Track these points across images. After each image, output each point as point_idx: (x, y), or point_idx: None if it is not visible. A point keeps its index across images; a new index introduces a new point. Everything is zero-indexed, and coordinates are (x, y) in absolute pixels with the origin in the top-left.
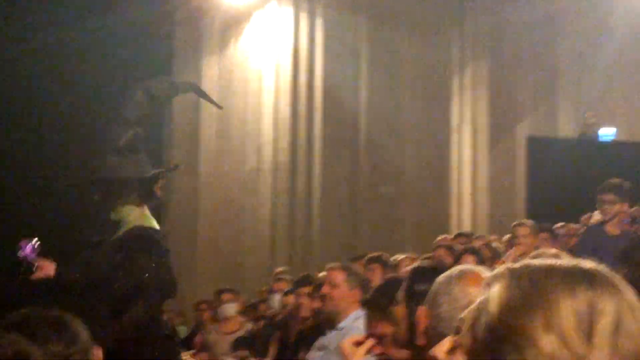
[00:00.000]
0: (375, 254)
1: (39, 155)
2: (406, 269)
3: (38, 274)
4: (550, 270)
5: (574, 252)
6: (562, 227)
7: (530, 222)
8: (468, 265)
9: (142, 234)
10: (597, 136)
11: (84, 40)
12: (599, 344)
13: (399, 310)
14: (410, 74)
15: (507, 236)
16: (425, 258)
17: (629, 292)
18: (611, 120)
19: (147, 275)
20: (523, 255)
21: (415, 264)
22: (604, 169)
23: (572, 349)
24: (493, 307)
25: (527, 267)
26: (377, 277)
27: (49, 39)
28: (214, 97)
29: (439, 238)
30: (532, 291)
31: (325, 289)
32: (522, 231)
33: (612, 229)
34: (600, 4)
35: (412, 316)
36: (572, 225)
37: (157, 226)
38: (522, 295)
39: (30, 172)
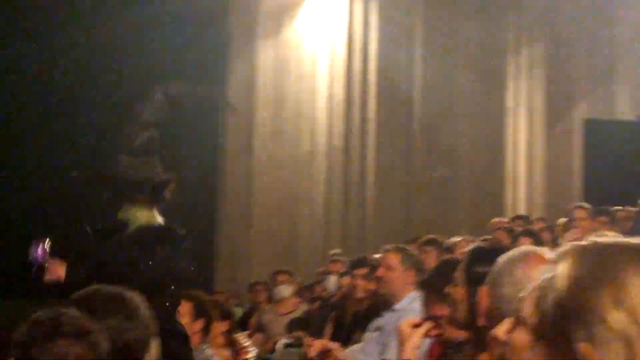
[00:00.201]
0: (430, 236)
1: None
2: (462, 250)
3: (49, 277)
4: (618, 247)
5: (632, 235)
6: (620, 210)
7: (587, 205)
8: (531, 246)
9: (157, 227)
10: None
11: (135, 27)
12: None
13: (458, 291)
14: (466, 55)
15: (563, 219)
16: (483, 240)
17: None
18: None
19: (164, 268)
20: (580, 238)
21: (474, 245)
22: None
23: None
24: (561, 284)
25: (594, 244)
26: (431, 260)
27: (95, 29)
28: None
29: (495, 220)
30: (600, 267)
31: (380, 271)
32: (579, 214)
33: None
34: None
35: (471, 297)
36: (631, 209)
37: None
38: (591, 272)
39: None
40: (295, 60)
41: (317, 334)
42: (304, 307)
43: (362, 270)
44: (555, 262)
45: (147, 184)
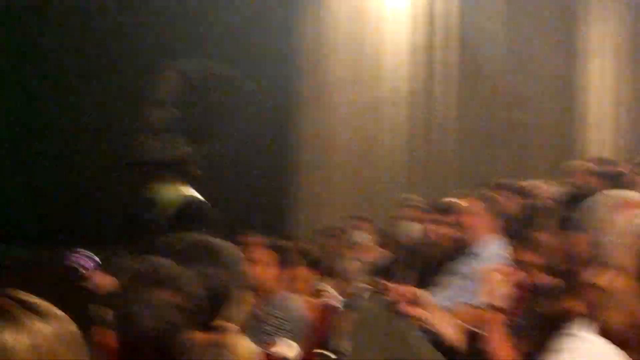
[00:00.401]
0: (509, 180)
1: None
2: (545, 195)
3: (94, 287)
4: None
5: None
6: None
7: None
8: (629, 191)
9: (181, 209)
10: None
11: None
12: None
13: (547, 237)
14: None
15: None
16: (565, 183)
17: None
18: None
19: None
20: None
21: (566, 190)
22: None
23: None
24: None
25: None
26: (512, 205)
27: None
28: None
29: (577, 163)
30: None
31: (462, 217)
32: None
33: None
34: None
35: (563, 243)
36: None
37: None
38: None
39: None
40: (374, 3)
41: (396, 280)
42: (382, 254)
43: (443, 216)
44: None
45: (169, 163)
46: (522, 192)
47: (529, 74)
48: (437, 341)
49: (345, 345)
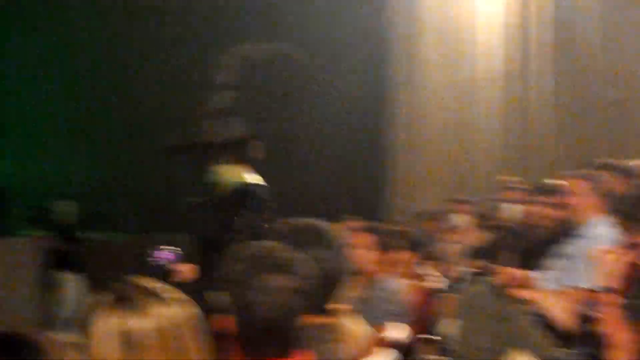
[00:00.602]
0: (612, 160)
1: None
2: None
3: (176, 278)
4: None
5: None
6: None
7: None
8: None
9: (236, 192)
10: None
11: None
12: None
13: None
14: None
15: None
16: None
17: None
18: None
19: (243, 229)
20: None
21: None
22: None
23: None
24: None
25: None
26: (619, 185)
27: None
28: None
29: None
30: None
31: (567, 198)
32: None
33: None
34: None
35: None
36: None
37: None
38: None
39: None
40: None
41: (498, 262)
42: (482, 236)
43: (546, 197)
44: None
45: (229, 144)
46: (628, 172)
47: (625, 50)
48: (547, 324)
49: (449, 329)
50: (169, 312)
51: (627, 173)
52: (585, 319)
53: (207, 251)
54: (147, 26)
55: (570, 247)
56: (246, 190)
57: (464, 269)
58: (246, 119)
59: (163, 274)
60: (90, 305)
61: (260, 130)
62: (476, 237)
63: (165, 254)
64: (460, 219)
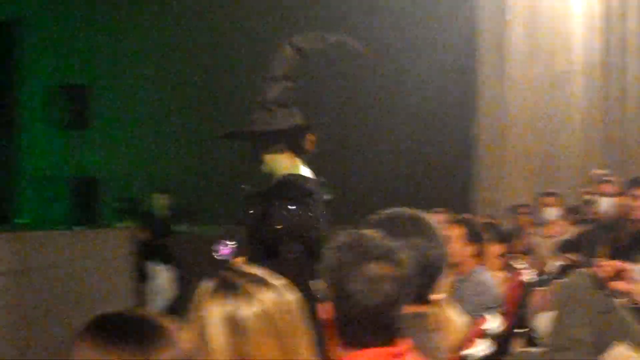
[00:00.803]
0: None
1: None
2: None
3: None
4: None
5: None
6: None
7: None
8: None
9: (283, 181)
10: None
11: None
12: None
13: None
14: None
15: None
16: None
17: None
18: None
19: (280, 224)
20: None
21: None
22: None
23: None
24: None
25: None
26: None
27: None
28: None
29: None
30: None
31: None
32: None
33: None
34: None
35: None
36: None
37: (308, 175)
38: None
39: None
40: None
41: (589, 255)
42: (571, 229)
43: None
44: None
45: (282, 135)
46: None
47: None
48: None
49: (542, 321)
50: (273, 298)
51: None
52: None
53: (252, 242)
54: (240, 23)
55: None
56: (291, 181)
57: (555, 261)
58: (302, 111)
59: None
60: (195, 292)
61: (317, 123)
62: (566, 230)
63: (226, 248)
64: (551, 212)
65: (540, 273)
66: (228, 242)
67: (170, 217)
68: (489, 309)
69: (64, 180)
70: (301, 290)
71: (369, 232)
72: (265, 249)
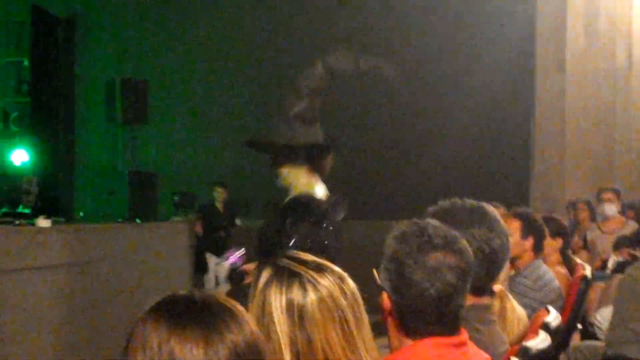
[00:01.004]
0: None
1: None
2: None
3: (248, 279)
4: None
5: None
6: None
7: None
8: None
9: (299, 201)
10: None
11: None
12: None
13: None
14: None
15: None
16: None
17: None
18: None
19: (298, 243)
20: None
21: None
22: None
23: None
24: None
25: None
26: None
27: None
28: None
29: None
30: None
31: None
32: None
33: None
34: None
35: None
36: None
37: (322, 195)
38: None
39: None
40: None
41: None
42: (630, 225)
43: None
44: None
45: (303, 151)
46: None
47: None
48: None
49: (601, 315)
50: (334, 284)
51: None
52: None
53: (264, 253)
54: (297, 17)
55: None
56: (306, 202)
57: (614, 257)
58: (325, 129)
59: (236, 276)
60: (255, 281)
61: (337, 144)
62: (626, 226)
63: (236, 258)
64: (610, 208)
65: (599, 268)
66: (237, 250)
67: (227, 210)
68: (547, 303)
69: (122, 175)
70: None
71: (432, 222)
72: None
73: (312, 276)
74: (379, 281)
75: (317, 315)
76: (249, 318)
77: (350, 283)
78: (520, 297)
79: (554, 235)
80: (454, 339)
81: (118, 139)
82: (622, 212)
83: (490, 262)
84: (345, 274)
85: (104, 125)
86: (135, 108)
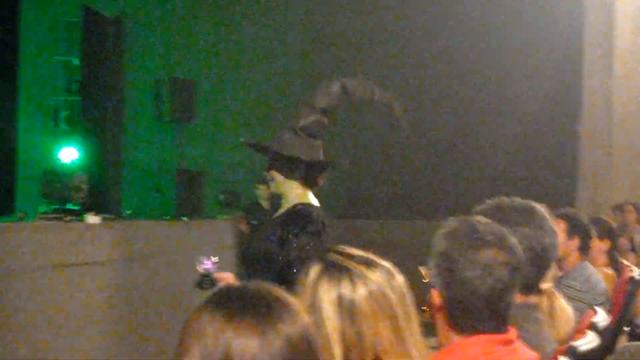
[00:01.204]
0: None
1: None
2: None
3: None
4: None
5: None
6: None
7: None
8: None
9: (298, 212)
10: None
11: None
12: None
13: None
14: None
15: None
16: None
17: None
18: None
19: (294, 254)
20: None
21: None
22: None
23: None
24: None
25: None
26: None
27: None
28: None
29: None
30: None
31: None
32: None
33: None
34: None
35: None
36: None
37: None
38: None
39: None
40: None
41: None
42: None
43: None
44: None
45: (302, 163)
46: None
47: None
48: None
49: None
50: (384, 279)
51: None
52: None
53: (265, 265)
54: (344, 19)
55: None
56: (307, 212)
57: None
58: (325, 146)
59: (207, 282)
60: (304, 277)
61: (335, 162)
62: None
63: (209, 263)
64: None
65: None
66: (212, 258)
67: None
68: (595, 304)
69: (169, 173)
70: None
71: (482, 219)
72: (278, 275)
73: (361, 271)
74: (425, 278)
75: (367, 310)
76: (302, 310)
77: (399, 278)
78: (567, 299)
79: (602, 236)
80: (503, 337)
81: (165, 137)
82: None
83: (539, 261)
84: (393, 269)
85: (152, 123)
86: (183, 107)
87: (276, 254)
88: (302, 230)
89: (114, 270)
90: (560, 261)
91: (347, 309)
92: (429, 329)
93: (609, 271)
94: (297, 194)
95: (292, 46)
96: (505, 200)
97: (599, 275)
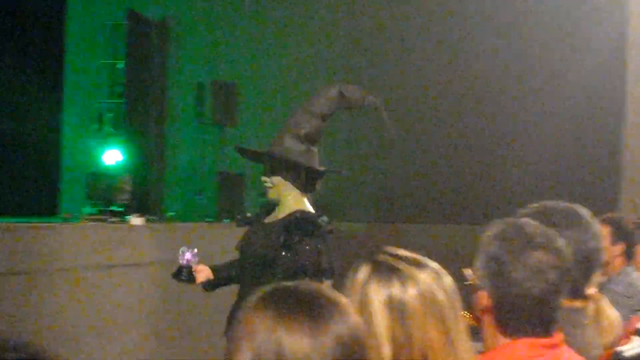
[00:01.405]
0: None
1: None
2: None
3: (200, 278)
4: None
5: None
6: None
7: None
8: None
9: (304, 218)
10: None
11: None
12: None
13: None
14: None
15: None
16: None
17: None
18: None
19: (306, 259)
20: None
21: None
22: None
23: None
24: None
25: None
26: None
27: None
28: None
29: None
30: None
31: None
32: None
33: None
34: None
35: None
36: None
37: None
38: None
39: None
40: None
41: None
42: None
43: None
44: None
45: (301, 169)
46: None
47: None
48: None
49: None
50: (432, 279)
51: None
52: None
53: (265, 269)
54: (404, 28)
55: None
56: (309, 218)
57: None
58: (321, 151)
59: (185, 274)
60: (352, 278)
61: (331, 171)
62: None
63: (190, 257)
64: None
65: None
66: (194, 250)
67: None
68: (639, 310)
69: (211, 175)
70: None
71: (529, 221)
72: (288, 279)
73: (411, 271)
74: (469, 280)
75: (417, 311)
76: (352, 310)
77: (447, 279)
78: (612, 304)
79: None
80: (549, 340)
81: (207, 139)
82: None
83: (585, 264)
84: (442, 270)
85: (194, 126)
86: (225, 109)
87: (280, 259)
88: (311, 234)
89: (157, 271)
90: (604, 266)
91: (397, 310)
92: (471, 333)
93: None
94: (295, 200)
95: (334, 49)
96: (549, 203)
97: None
